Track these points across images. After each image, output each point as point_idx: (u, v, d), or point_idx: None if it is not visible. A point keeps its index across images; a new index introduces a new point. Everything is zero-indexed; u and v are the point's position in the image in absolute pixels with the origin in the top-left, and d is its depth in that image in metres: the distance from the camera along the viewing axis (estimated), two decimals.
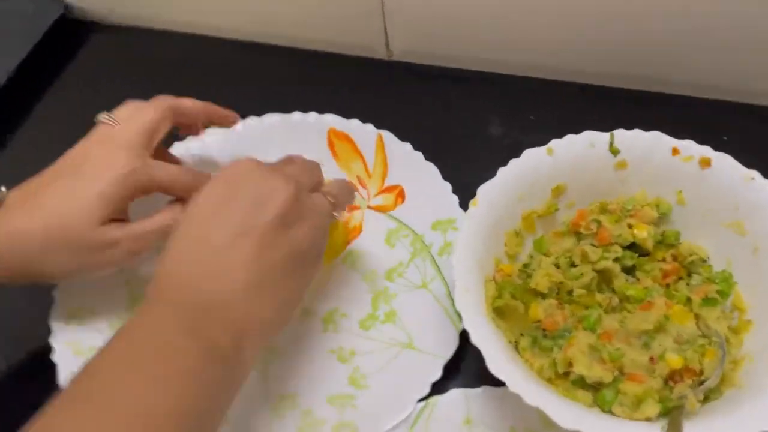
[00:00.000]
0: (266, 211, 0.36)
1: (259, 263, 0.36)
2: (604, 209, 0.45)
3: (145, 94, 0.53)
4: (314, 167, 0.43)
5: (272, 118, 0.55)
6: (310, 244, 0.38)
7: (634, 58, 0.55)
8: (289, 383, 0.45)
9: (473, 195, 0.49)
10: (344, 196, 0.44)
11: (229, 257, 0.35)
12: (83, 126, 0.55)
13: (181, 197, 0.43)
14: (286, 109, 0.56)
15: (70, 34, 0.66)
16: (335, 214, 0.42)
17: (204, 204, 0.37)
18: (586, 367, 0.38)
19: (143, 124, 0.44)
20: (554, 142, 0.45)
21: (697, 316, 0.41)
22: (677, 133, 0.45)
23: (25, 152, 0.59)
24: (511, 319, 0.41)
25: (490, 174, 0.52)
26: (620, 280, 0.43)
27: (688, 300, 0.42)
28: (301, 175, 0.41)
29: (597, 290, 0.43)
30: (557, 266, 0.44)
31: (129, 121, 0.44)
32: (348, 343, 0.46)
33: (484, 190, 0.43)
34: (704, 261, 0.44)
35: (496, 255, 0.43)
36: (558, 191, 0.45)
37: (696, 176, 0.44)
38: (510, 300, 0.41)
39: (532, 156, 0.45)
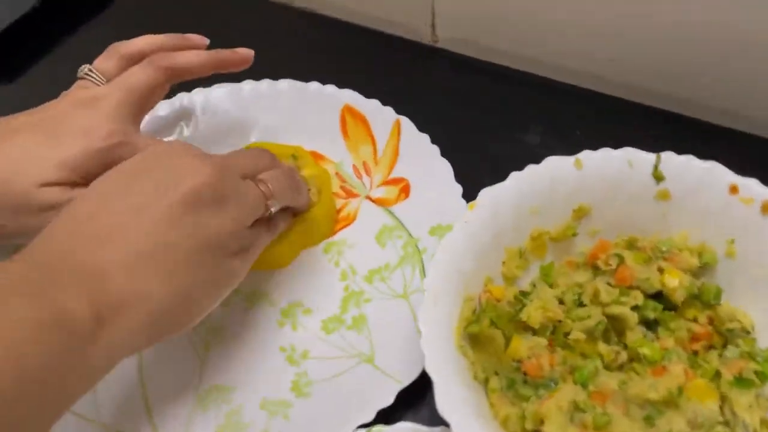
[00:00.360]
0: (174, 190, 0.31)
1: (155, 237, 0.30)
2: (632, 244, 0.37)
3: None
4: (261, 154, 0.38)
5: (286, 84, 0.50)
6: (227, 236, 0.32)
7: (701, 84, 0.47)
8: (226, 375, 0.38)
9: None
10: (283, 190, 0.37)
11: (120, 227, 0.30)
12: None
13: None
14: (309, 78, 0.50)
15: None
16: (270, 207, 0.35)
17: (107, 179, 0.32)
18: (558, 429, 0.29)
19: (135, 89, 0.38)
20: (585, 154, 0.37)
21: (723, 398, 0.32)
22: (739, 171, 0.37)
23: (49, 83, 0.56)
24: (485, 351, 0.33)
25: None
26: (635, 334, 0.35)
27: (717, 375, 0.33)
28: (236, 159, 0.35)
29: (602, 339, 0.34)
30: (561, 302, 0.36)
31: (119, 84, 0.38)
32: (303, 343, 0.39)
33: (489, 194, 0.36)
34: (747, 332, 0.35)
35: (489, 273, 0.36)
36: (580, 213, 0.37)
37: (755, 224, 0.35)
38: (488, 327, 0.33)
39: (555, 165, 0.37)
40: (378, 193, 0.46)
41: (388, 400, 0.35)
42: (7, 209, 0.35)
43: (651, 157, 0.37)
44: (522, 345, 0.33)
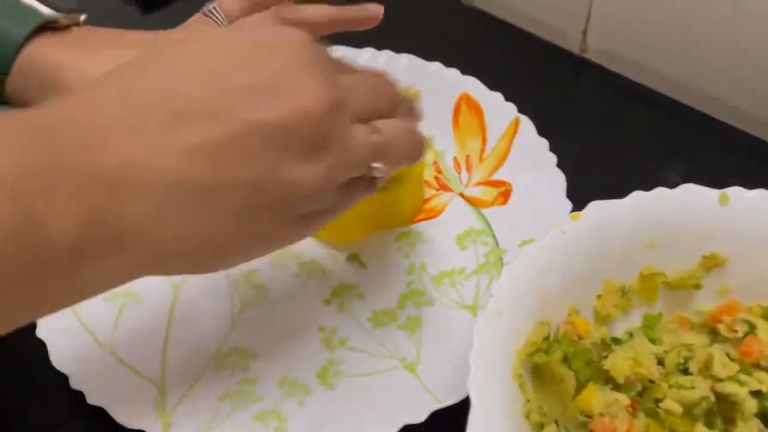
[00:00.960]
0: (270, 107, 0.23)
1: (211, 167, 0.22)
2: None
3: None
4: (385, 87, 0.29)
5: (406, 59, 0.45)
6: (304, 196, 0.24)
7: None
8: (253, 339, 0.34)
9: None
10: (399, 151, 0.28)
11: (173, 133, 0.22)
12: None
13: None
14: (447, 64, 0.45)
15: None
16: (373, 170, 0.27)
17: (193, 48, 0.24)
18: None
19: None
20: (736, 191, 0.30)
21: None
22: None
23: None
24: (549, 390, 0.27)
25: None
26: (749, 427, 0.26)
27: None
28: (356, 93, 0.27)
29: (703, 421, 0.26)
30: (660, 362, 0.28)
31: (239, 30, 0.29)
32: (345, 329, 0.34)
33: (600, 209, 0.29)
34: None
35: (577, 301, 0.29)
36: (712, 261, 0.30)
37: None
38: (560, 363, 0.26)
39: (692, 193, 0.30)
40: (473, 192, 0.40)
41: (419, 416, 0.29)
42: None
43: None
44: (597, 397, 0.26)
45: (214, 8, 0.35)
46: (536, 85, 0.46)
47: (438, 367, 0.32)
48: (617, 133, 0.44)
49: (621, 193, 0.39)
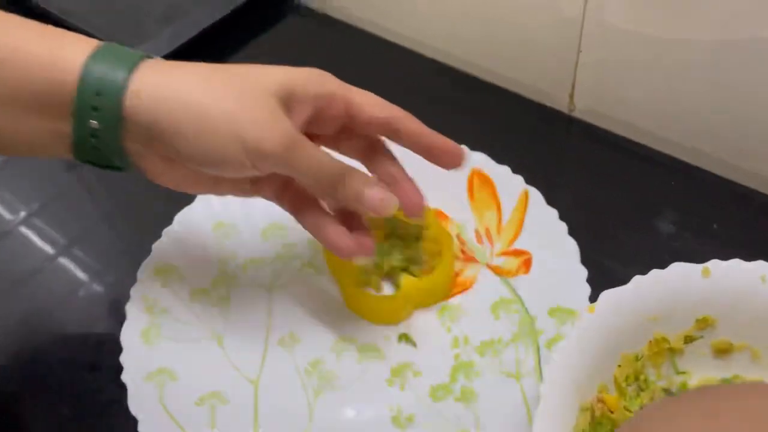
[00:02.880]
0: None
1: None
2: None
3: None
4: None
5: None
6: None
7: None
8: (332, 424, 0.38)
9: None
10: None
11: None
12: None
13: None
14: (442, 132, 0.50)
15: (274, 9, 0.65)
16: None
17: None
18: None
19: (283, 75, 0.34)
20: (714, 264, 0.35)
21: None
22: None
23: None
24: None
25: (637, 272, 0.43)
26: None
27: None
28: None
29: None
30: None
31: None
32: (411, 407, 0.39)
33: (609, 298, 0.34)
34: None
35: (603, 380, 0.34)
36: (704, 323, 0.35)
37: None
38: None
39: (680, 272, 0.35)
40: (497, 261, 0.44)
41: None
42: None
43: None
44: None
45: None
46: (537, 151, 0.51)
47: None
48: (611, 186, 0.48)
49: (624, 249, 0.44)
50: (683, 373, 0.36)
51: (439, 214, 0.46)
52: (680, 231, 0.45)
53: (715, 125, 0.46)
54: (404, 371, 0.40)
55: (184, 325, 0.42)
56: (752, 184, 0.47)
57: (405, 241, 0.44)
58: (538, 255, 0.43)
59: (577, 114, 0.53)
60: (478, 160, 0.47)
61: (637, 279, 0.34)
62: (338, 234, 0.36)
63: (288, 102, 0.34)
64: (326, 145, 0.38)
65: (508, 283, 0.43)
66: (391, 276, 0.44)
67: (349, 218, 0.38)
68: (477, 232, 0.46)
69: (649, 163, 0.49)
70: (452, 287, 0.44)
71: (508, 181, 0.46)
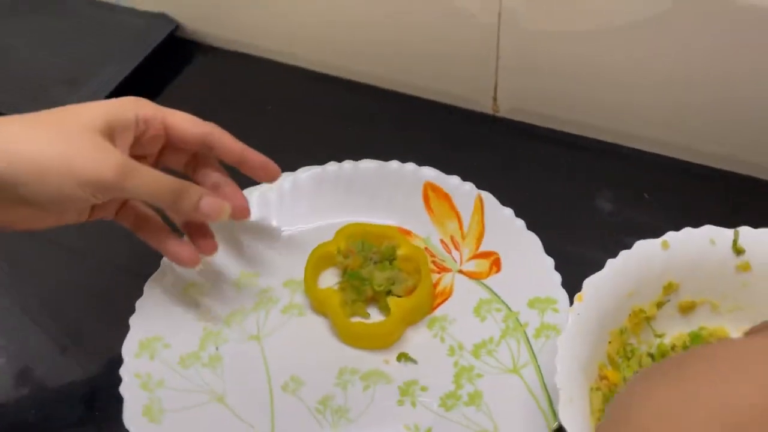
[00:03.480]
0: None
1: None
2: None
3: (240, 120, 0.50)
4: None
5: (368, 164, 0.51)
6: None
7: (756, 144, 0.49)
8: None
9: (575, 273, 0.44)
10: None
11: None
12: None
13: None
14: (379, 152, 0.52)
15: (177, 53, 0.65)
16: None
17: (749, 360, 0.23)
18: None
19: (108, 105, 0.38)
20: (670, 236, 0.39)
21: None
22: None
23: None
24: None
25: (596, 254, 0.46)
26: None
27: None
28: None
29: None
30: None
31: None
32: (426, 421, 0.41)
33: (591, 284, 0.38)
34: None
35: (600, 359, 0.37)
36: (669, 288, 0.39)
37: None
38: None
39: (644, 249, 0.39)
40: (469, 266, 0.47)
41: None
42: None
43: (729, 233, 0.39)
44: None
45: None
46: (467, 151, 0.54)
47: (514, 428, 0.39)
48: (549, 177, 0.52)
49: (574, 231, 0.48)
50: (660, 335, 0.40)
51: (404, 232, 0.48)
52: (618, 207, 0.50)
53: (631, 104, 0.51)
54: (411, 388, 0.42)
55: (184, 393, 0.42)
56: (672, 153, 0.52)
57: (380, 265, 0.46)
58: (505, 253, 0.46)
59: (502, 114, 0.56)
60: (428, 174, 0.50)
61: (610, 263, 0.38)
62: (178, 245, 0.42)
63: (111, 132, 0.37)
64: (153, 164, 0.42)
65: (484, 285, 0.46)
66: (376, 301, 0.45)
67: (196, 228, 0.44)
68: (443, 242, 0.48)
69: (577, 149, 0.54)
70: (434, 299, 0.46)
71: (461, 190, 0.49)
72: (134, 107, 0.39)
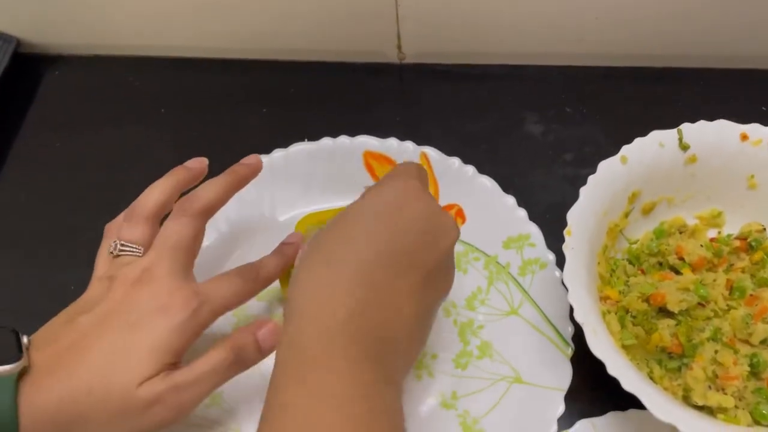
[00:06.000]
0: (436, 249, 0.32)
1: (422, 298, 0.32)
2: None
3: (121, 127, 0.50)
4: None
5: (299, 147, 0.48)
6: (447, 290, 0.35)
7: (652, 36, 0.52)
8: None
9: (536, 203, 0.46)
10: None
11: (395, 285, 0.31)
12: (65, 171, 0.50)
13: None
14: (300, 132, 0.49)
15: (28, 71, 0.55)
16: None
17: (368, 217, 0.32)
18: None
19: (181, 245, 0.35)
20: (625, 149, 0.41)
21: None
22: (701, 108, 0.43)
23: (7, 198, 0.49)
24: (634, 348, 0.38)
25: (545, 179, 0.48)
26: None
27: None
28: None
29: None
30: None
31: (163, 246, 0.35)
32: (447, 386, 0.41)
33: (574, 215, 0.39)
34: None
35: (597, 282, 0.39)
36: (633, 197, 0.42)
37: (766, 159, 0.42)
38: (640, 333, 0.38)
39: (607, 168, 0.41)
40: None
41: (560, 407, 0.39)
42: (105, 421, 0.32)
43: (673, 133, 0.42)
44: (665, 332, 0.38)
45: (123, 245, 0.36)
46: (386, 106, 0.52)
47: (534, 366, 0.40)
48: (472, 112, 0.52)
49: (517, 161, 0.49)
50: (633, 242, 0.43)
51: None
52: (547, 126, 0.51)
53: (532, 23, 0.51)
54: (423, 360, 0.42)
55: None
56: (579, 62, 0.53)
57: None
58: (465, 203, 0.46)
59: (409, 60, 0.55)
60: (363, 142, 0.48)
61: (583, 190, 0.39)
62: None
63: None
64: None
65: None
66: None
67: None
68: None
69: (491, 79, 0.53)
70: None
71: (402, 150, 0.48)
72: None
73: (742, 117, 0.42)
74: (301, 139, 0.49)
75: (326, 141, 0.48)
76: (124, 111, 0.53)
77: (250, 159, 0.41)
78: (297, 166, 0.48)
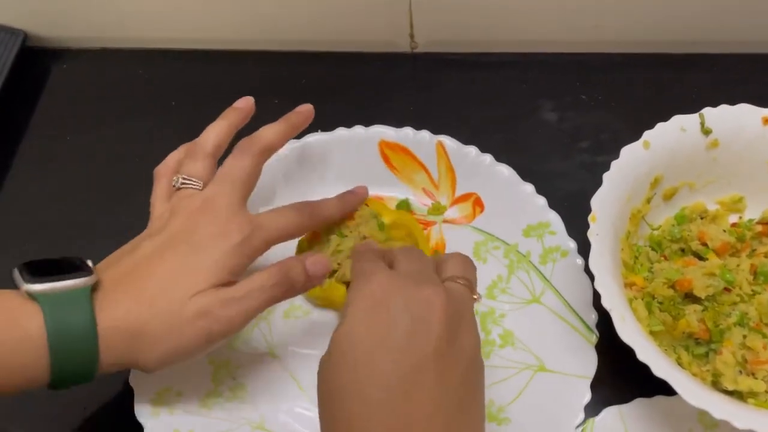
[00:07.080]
0: (431, 327, 0.30)
1: (445, 390, 0.29)
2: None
3: (131, 120, 0.49)
4: (419, 253, 0.36)
5: (315, 137, 0.47)
6: (475, 342, 0.32)
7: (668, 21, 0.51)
8: None
9: (554, 190, 0.45)
10: (470, 272, 0.35)
11: (413, 396, 0.29)
12: (75, 165, 0.50)
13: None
14: (314, 122, 0.48)
15: (36, 64, 0.55)
16: (474, 297, 0.34)
17: (358, 331, 0.31)
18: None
19: (240, 180, 0.38)
20: (648, 134, 0.40)
21: None
22: (717, 95, 0.42)
23: (19, 193, 0.48)
24: (660, 334, 0.38)
25: (563, 166, 0.48)
26: None
27: None
28: (448, 264, 0.34)
29: None
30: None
31: (224, 180, 0.38)
32: None
33: (598, 201, 0.38)
34: None
35: (621, 268, 0.39)
36: (655, 183, 0.41)
37: None
38: (667, 319, 0.37)
39: (630, 153, 0.40)
40: (452, 213, 0.46)
41: (587, 395, 0.38)
42: (167, 330, 0.34)
43: (695, 117, 0.41)
44: (692, 317, 0.37)
45: (185, 178, 0.39)
46: (402, 96, 0.51)
47: (558, 354, 0.40)
48: (488, 100, 0.51)
49: (535, 148, 0.49)
50: (656, 228, 0.43)
51: (378, 199, 0.46)
52: (562, 114, 0.50)
53: (546, 9, 0.51)
54: None
55: None
56: (592, 49, 0.52)
57: (375, 239, 0.43)
58: (483, 191, 0.46)
59: (422, 50, 0.54)
60: (379, 132, 0.47)
61: (607, 176, 0.39)
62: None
63: None
64: None
65: (474, 227, 0.45)
66: None
67: None
68: (417, 196, 0.47)
69: (504, 67, 0.53)
70: (432, 253, 0.45)
71: (418, 140, 0.47)
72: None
73: (757, 102, 0.42)
74: (314, 131, 0.48)
75: (341, 131, 0.47)
76: (133, 104, 0.52)
77: (304, 107, 0.43)
78: (312, 156, 0.47)
